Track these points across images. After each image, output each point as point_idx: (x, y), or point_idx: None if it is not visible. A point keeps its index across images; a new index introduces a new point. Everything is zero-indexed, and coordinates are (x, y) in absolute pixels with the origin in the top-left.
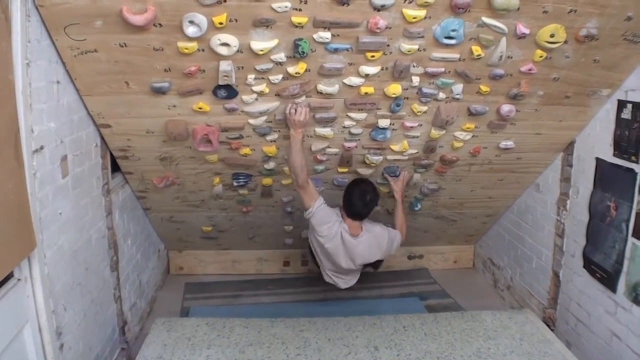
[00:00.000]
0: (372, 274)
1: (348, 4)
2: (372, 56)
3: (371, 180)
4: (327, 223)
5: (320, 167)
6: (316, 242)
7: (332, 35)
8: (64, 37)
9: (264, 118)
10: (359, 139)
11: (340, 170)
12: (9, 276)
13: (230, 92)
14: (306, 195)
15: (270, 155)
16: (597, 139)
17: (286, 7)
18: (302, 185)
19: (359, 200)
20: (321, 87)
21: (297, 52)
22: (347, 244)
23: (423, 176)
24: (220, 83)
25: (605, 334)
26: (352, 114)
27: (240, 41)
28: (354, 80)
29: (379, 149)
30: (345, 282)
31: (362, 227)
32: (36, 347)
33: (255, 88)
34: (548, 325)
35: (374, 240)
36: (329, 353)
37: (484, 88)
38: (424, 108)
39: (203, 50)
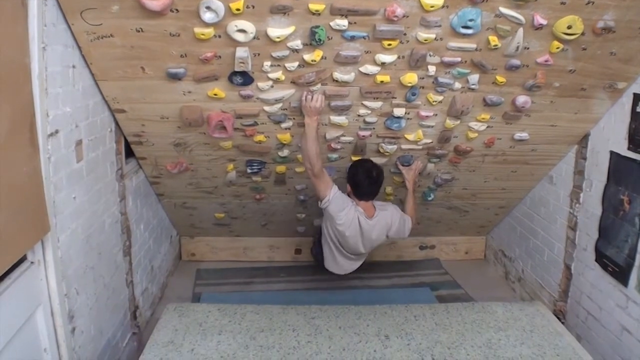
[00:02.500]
0: (384, 263)
1: None
2: (389, 44)
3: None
4: (344, 209)
5: (334, 156)
6: (335, 232)
7: (349, 23)
8: (80, 22)
9: (279, 105)
10: (374, 128)
11: (354, 158)
12: (23, 259)
13: (245, 78)
14: (321, 184)
15: (284, 142)
16: (611, 132)
17: None
18: (318, 174)
19: (366, 179)
20: (337, 75)
21: (313, 40)
22: (363, 227)
23: (437, 166)
24: (236, 69)
25: (616, 328)
26: (367, 103)
27: (256, 28)
28: (370, 68)
29: (393, 138)
30: (352, 266)
31: (375, 206)
32: (48, 330)
33: (271, 75)
34: (558, 318)
35: (389, 220)
36: (340, 341)
37: (500, 79)
38: (440, 98)
39: (219, 36)
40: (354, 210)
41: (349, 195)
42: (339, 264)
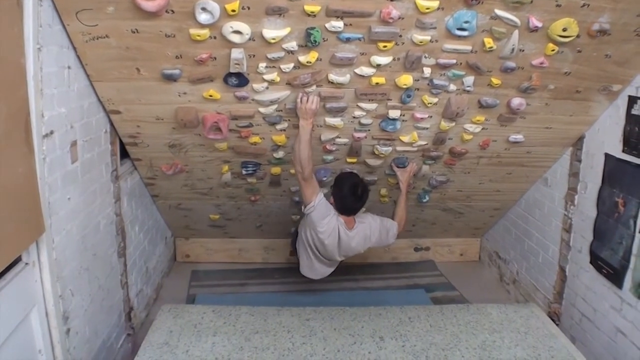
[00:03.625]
0: (379, 264)
1: None
2: (384, 46)
3: (356, 172)
4: (327, 217)
5: (329, 157)
6: (314, 239)
7: (345, 25)
8: (75, 23)
9: (274, 107)
10: (369, 130)
11: (349, 160)
12: (17, 260)
13: (241, 80)
14: (309, 188)
15: (279, 144)
16: (606, 135)
17: None
18: (307, 178)
19: (351, 195)
20: (332, 76)
21: (309, 41)
22: (342, 237)
23: (432, 168)
24: (232, 71)
25: (610, 330)
26: (362, 104)
27: (252, 29)
28: (365, 70)
29: (388, 140)
30: (327, 271)
31: (355, 219)
32: (43, 331)
33: (266, 76)
34: (553, 320)
35: (367, 232)
36: (335, 342)
37: (495, 81)
38: (435, 99)
39: (215, 37)
40: (335, 219)
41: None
42: (315, 269)
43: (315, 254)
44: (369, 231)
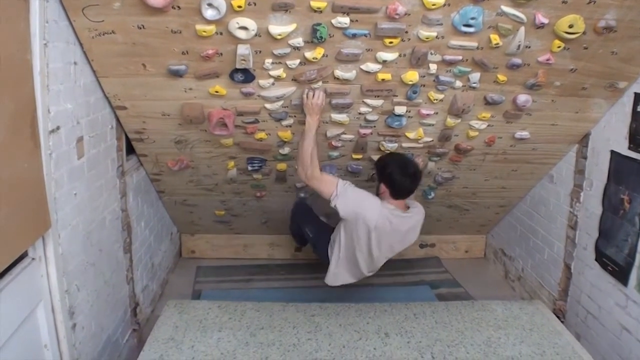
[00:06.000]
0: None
1: None
2: (390, 42)
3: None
4: (367, 199)
5: (335, 154)
6: (361, 231)
7: (351, 21)
8: (82, 18)
9: (280, 103)
10: (375, 126)
11: (354, 156)
12: (24, 255)
13: (247, 76)
14: (323, 183)
15: (285, 140)
16: (612, 132)
17: None
18: (317, 177)
19: (405, 176)
20: (338, 72)
21: (315, 37)
22: (394, 224)
23: (437, 165)
24: (238, 67)
25: (615, 327)
26: (368, 101)
27: (258, 25)
28: (371, 66)
29: (394, 136)
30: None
31: (405, 202)
32: (49, 326)
33: (272, 72)
34: (558, 317)
35: (419, 217)
36: (340, 338)
37: (501, 77)
38: (441, 96)
39: (221, 33)
40: (379, 203)
41: (377, 195)
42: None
43: (353, 256)
44: (420, 217)
